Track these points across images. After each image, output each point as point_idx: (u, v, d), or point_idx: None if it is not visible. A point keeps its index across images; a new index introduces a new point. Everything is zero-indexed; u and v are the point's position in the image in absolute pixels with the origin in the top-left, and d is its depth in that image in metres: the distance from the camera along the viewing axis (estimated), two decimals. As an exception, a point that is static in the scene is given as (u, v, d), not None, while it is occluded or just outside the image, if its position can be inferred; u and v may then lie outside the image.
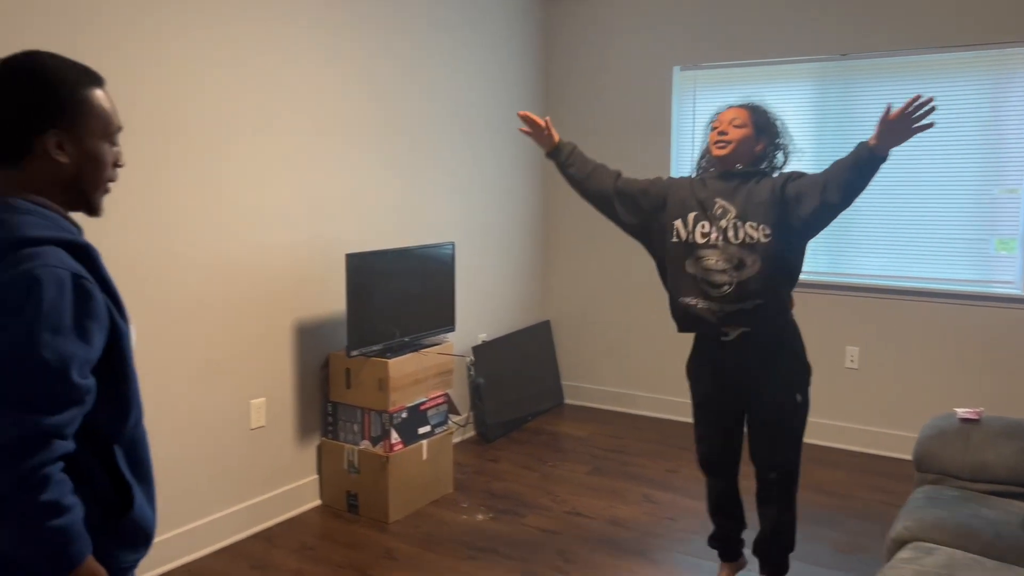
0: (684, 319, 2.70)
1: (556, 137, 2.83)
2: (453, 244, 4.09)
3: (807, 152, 4.53)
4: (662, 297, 5.01)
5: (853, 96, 4.43)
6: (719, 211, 2.58)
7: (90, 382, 1.27)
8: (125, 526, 1.38)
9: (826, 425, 4.58)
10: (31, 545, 1.23)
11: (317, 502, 3.77)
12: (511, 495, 3.88)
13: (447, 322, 4.05)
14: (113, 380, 1.34)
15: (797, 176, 2.57)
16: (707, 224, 2.58)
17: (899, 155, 4.32)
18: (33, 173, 1.30)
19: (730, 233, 2.55)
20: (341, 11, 3.71)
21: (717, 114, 2.69)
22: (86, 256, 1.29)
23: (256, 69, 3.34)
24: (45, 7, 2.62)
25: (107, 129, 1.35)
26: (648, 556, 3.28)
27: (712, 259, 2.57)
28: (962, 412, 2.89)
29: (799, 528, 3.50)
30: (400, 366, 3.61)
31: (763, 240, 2.51)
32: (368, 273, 3.56)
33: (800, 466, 2.75)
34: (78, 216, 1.46)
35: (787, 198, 2.52)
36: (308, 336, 3.68)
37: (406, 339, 3.79)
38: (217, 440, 3.31)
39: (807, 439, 4.60)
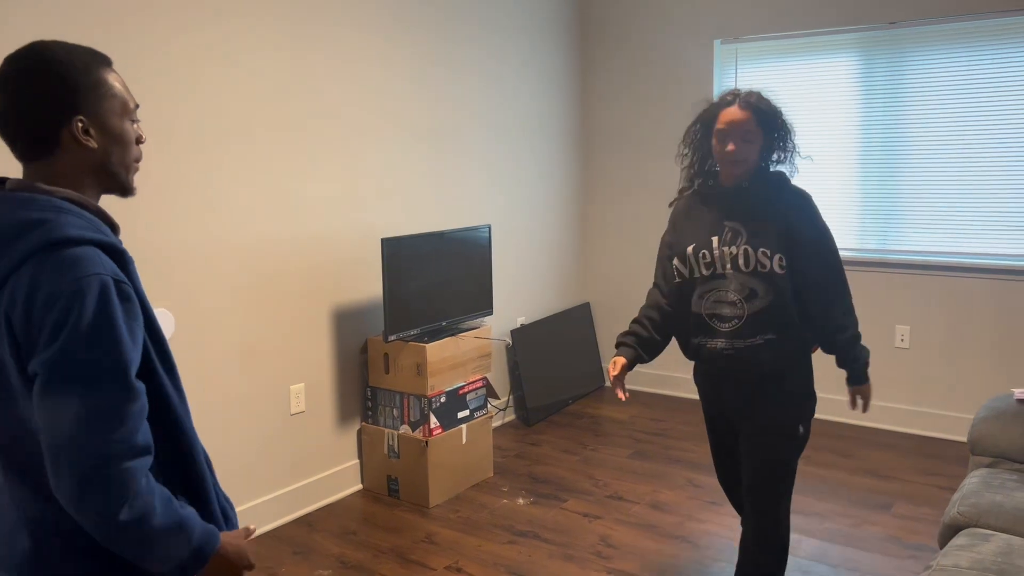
0: (699, 358, 2.41)
1: (626, 365, 2.42)
2: (489, 227, 4.05)
3: (852, 128, 4.39)
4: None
5: (901, 66, 4.27)
6: (729, 235, 2.27)
7: (143, 386, 1.24)
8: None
9: (875, 406, 4.46)
10: (162, 563, 1.26)
11: (358, 487, 3.78)
12: (552, 479, 3.85)
13: (485, 306, 4.02)
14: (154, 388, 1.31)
15: (806, 223, 2.27)
16: (708, 253, 2.28)
17: (947, 125, 4.16)
18: (65, 164, 1.28)
19: (741, 261, 2.24)
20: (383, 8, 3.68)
21: (717, 112, 2.29)
22: (121, 261, 1.27)
23: (303, 62, 3.33)
24: (78, -3, 2.63)
25: (125, 107, 1.33)
26: (691, 541, 3.23)
27: (721, 291, 2.27)
28: (1020, 393, 2.78)
29: (847, 515, 3.41)
30: (438, 350, 3.59)
31: (778, 271, 2.22)
32: (404, 257, 3.54)
33: (786, 519, 2.38)
34: (113, 209, 1.43)
35: (794, 242, 2.24)
36: (346, 321, 3.68)
37: (444, 323, 3.77)
38: (257, 426, 3.33)
39: (855, 421, 4.49)
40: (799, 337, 2.30)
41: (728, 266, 2.25)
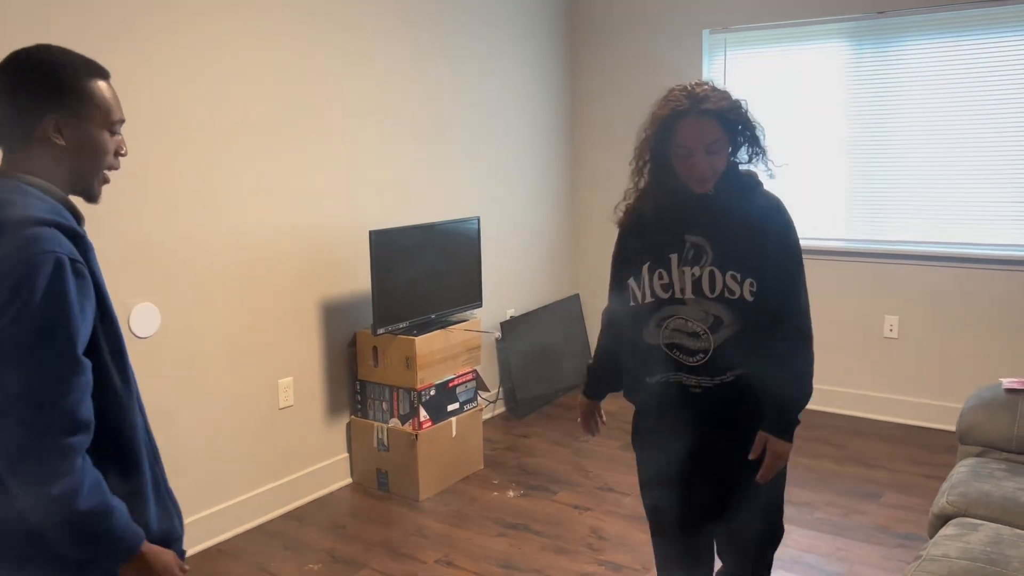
0: (651, 402, 2.01)
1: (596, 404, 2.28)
2: (478, 219, 4.03)
3: (840, 117, 4.39)
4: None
5: (889, 56, 4.26)
6: (691, 252, 1.88)
7: (89, 363, 1.28)
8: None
9: (864, 396, 4.48)
10: (83, 552, 1.29)
11: (348, 480, 3.77)
12: (542, 471, 3.84)
13: (474, 298, 4.00)
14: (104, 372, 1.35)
15: (777, 244, 1.89)
16: (666, 273, 1.90)
17: (936, 114, 4.16)
18: (35, 156, 1.34)
19: (705, 285, 1.86)
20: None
21: (673, 125, 1.84)
22: (81, 246, 1.32)
23: (289, 56, 3.29)
24: (58, -13, 2.59)
25: (107, 119, 1.39)
26: (682, 532, 3.23)
27: (680, 318, 1.89)
28: (1008, 382, 2.79)
29: (836, 504, 3.43)
30: (427, 343, 3.57)
31: (749, 299, 1.85)
32: (392, 250, 3.52)
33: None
34: (101, 202, 1.49)
35: (766, 257, 1.87)
36: (335, 315, 3.66)
37: (433, 316, 3.75)
38: (246, 420, 3.30)
39: (844, 411, 4.50)
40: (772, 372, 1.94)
41: (689, 290, 1.87)
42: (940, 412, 4.28)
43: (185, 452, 3.08)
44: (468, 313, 4.01)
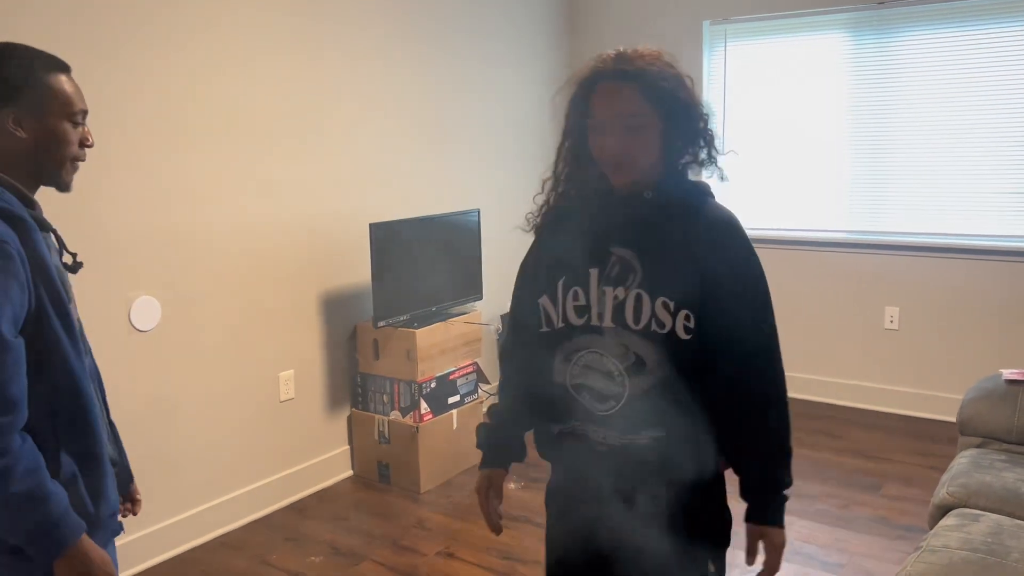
0: (558, 459, 1.64)
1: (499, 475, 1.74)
2: (479, 211, 4.02)
3: (841, 107, 4.38)
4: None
5: (890, 46, 4.25)
6: (616, 269, 1.47)
7: (20, 341, 1.30)
8: None
9: (865, 387, 4.48)
10: (15, 535, 1.29)
11: (349, 473, 3.77)
12: (543, 463, 3.84)
13: (475, 291, 4.00)
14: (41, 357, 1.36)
15: (730, 267, 1.45)
16: (583, 293, 1.49)
17: (937, 105, 4.15)
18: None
19: (629, 312, 1.44)
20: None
21: (589, 90, 1.48)
22: (21, 228, 1.35)
23: (291, 51, 3.28)
24: (56, -21, 2.58)
25: (67, 110, 1.43)
26: (682, 523, 3.23)
27: (595, 351, 1.48)
28: (1008, 373, 2.79)
29: (836, 495, 3.43)
30: (428, 336, 3.57)
31: (682, 335, 1.42)
32: (393, 242, 3.52)
33: None
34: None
35: (710, 296, 1.43)
36: (335, 308, 3.66)
37: (433, 309, 3.75)
38: (247, 413, 3.31)
39: (844, 402, 4.50)
40: (702, 439, 1.47)
41: (608, 317, 1.46)
42: (940, 403, 4.28)
43: (186, 445, 3.08)
44: (469, 306, 4.00)
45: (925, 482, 3.51)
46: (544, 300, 1.55)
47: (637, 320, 1.44)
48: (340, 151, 3.62)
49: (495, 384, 4.65)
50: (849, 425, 4.24)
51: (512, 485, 3.62)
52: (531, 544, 3.10)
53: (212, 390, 3.16)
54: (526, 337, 1.60)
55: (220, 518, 3.22)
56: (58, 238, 1.52)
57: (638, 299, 1.44)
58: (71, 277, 1.50)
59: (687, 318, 1.42)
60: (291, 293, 3.45)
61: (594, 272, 1.49)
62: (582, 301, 1.49)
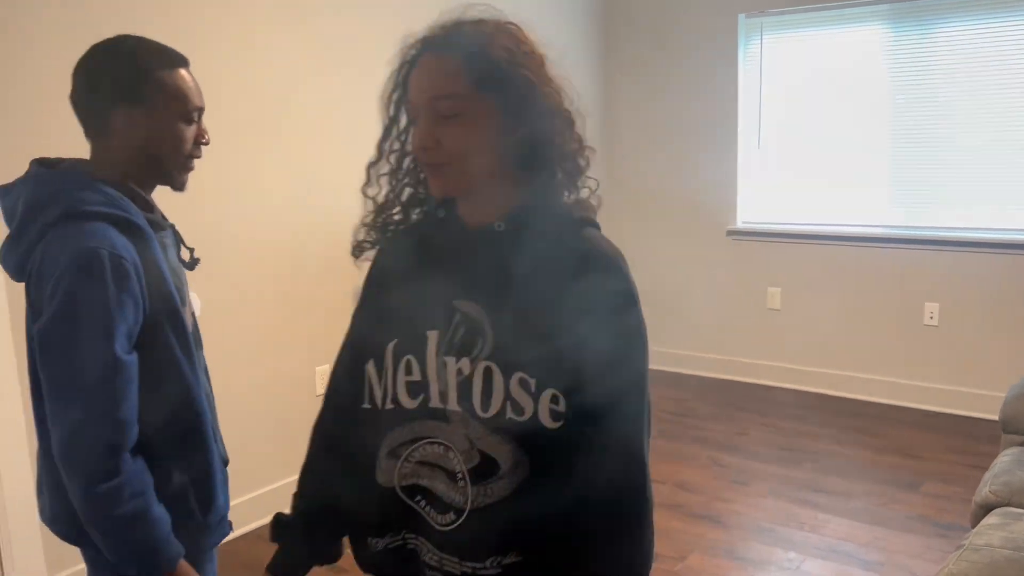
0: None
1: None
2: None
3: (882, 101, 4.31)
4: (723, 256, 4.88)
5: (931, 37, 4.17)
6: (460, 332, 1.09)
7: (133, 358, 1.27)
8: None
9: (904, 385, 4.41)
10: (117, 555, 1.28)
11: (384, 467, 3.80)
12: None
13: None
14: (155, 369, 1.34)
15: (602, 326, 1.06)
16: (418, 363, 1.11)
17: (979, 97, 4.07)
18: (112, 147, 1.35)
19: (477, 391, 1.06)
20: None
21: (401, 70, 1.16)
22: (138, 236, 1.32)
23: (326, 47, 3.31)
24: (99, -19, 2.63)
25: (182, 108, 1.38)
26: (718, 520, 3.22)
27: (435, 442, 1.09)
28: (1053, 370, 2.73)
29: (875, 494, 3.39)
30: (461, 331, 3.58)
31: (548, 424, 1.04)
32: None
33: None
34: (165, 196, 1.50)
35: (588, 351, 1.04)
36: (370, 303, 3.68)
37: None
38: (284, 407, 3.35)
39: (883, 399, 4.44)
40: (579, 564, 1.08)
41: (454, 398, 1.08)
42: (982, 401, 4.20)
43: (224, 439, 3.12)
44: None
45: (965, 480, 3.46)
46: (369, 368, 1.14)
47: (486, 405, 1.04)
48: (373, 145, 3.64)
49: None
50: (886, 423, 4.18)
51: None
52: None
53: (249, 385, 3.21)
54: (347, 418, 1.18)
55: (258, 511, 3.27)
56: (176, 234, 1.50)
57: (487, 375, 1.04)
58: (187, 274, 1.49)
59: (554, 399, 1.03)
60: (327, 287, 3.49)
61: (433, 335, 1.09)
62: (416, 376, 1.09)
